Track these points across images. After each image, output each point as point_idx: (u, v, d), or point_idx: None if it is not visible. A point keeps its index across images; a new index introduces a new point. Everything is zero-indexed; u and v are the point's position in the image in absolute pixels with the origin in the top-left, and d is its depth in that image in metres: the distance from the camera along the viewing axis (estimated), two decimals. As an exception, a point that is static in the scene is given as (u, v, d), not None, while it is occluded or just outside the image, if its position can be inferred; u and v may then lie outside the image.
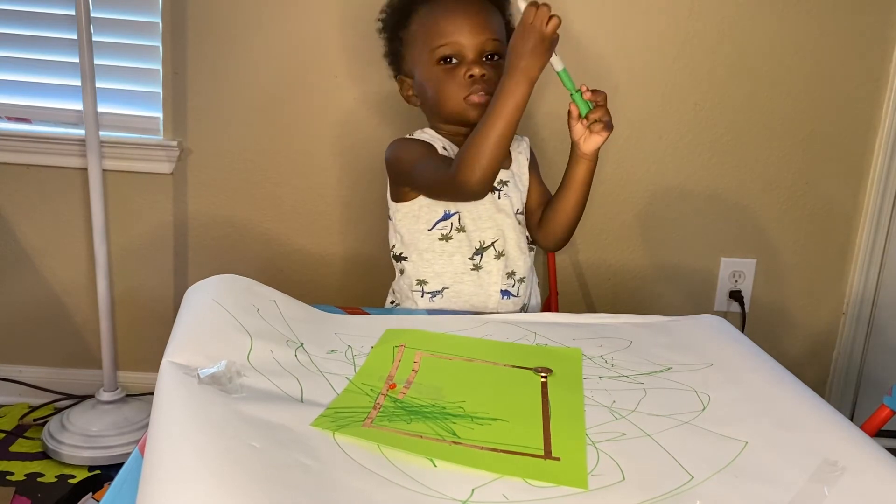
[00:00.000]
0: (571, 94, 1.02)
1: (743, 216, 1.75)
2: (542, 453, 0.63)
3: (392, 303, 1.22)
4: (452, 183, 1.01)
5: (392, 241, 1.18)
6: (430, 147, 1.13)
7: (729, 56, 1.66)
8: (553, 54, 0.98)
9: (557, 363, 0.82)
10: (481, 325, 0.94)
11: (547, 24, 0.95)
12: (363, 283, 1.76)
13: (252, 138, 1.68)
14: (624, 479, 0.60)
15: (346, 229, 1.74)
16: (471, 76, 1.07)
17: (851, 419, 0.99)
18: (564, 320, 0.99)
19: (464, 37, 1.07)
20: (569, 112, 1.04)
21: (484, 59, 1.08)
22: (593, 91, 1.02)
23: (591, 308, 1.79)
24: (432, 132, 1.17)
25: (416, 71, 1.13)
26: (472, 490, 0.56)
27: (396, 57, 1.18)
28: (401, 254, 1.16)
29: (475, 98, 1.07)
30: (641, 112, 1.69)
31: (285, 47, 1.63)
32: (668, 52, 1.66)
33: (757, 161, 1.73)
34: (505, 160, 1.14)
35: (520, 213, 1.16)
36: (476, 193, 1.03)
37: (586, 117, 1.01)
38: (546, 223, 1.15)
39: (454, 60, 1.08)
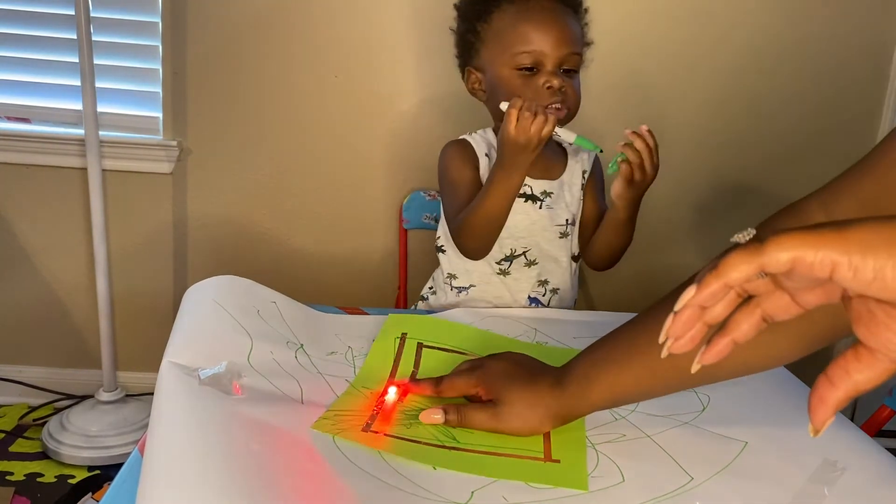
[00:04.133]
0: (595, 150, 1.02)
1: (743, 216, 1.75)
2: (541, 456, 0.63)
3: (430, 288, 1.22)
4: (457, 240, 1.08)
5: (438, 232, 1.19)
6: (464, 174, 1.10)
7: (730, 56, 1.66)
8: (558, 135, 0.98)
9: (558, 363, 0.82)
10: (482, 320, 0.94)
11: (532, 126, 0.94)
12: (363, 284, 1.76)
13: (252, 138, 1.68)
14: (624, 480, 0.60)
15: (346, 229, 1.75)
16: (549, 87, 1.04)
17: (851, 419, 0.99)
18: (565, 317, 0.99)
19: (547, 47, 1.03)
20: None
21: (561, 70, 1.06)
22: (634, 136, 1.00)
23: (591, 308, 1.79)
24: (492, 135, 1.15)
25: (489, 69, 1.09)
26: (472, 492, 0.56)
27: (468, 48, 1.13)
28: (441, 246, 1.17)
29: (551, 111, 1.04)
30: (642, 112, 1.69)
31: (285, 47, 1.63)
32: (669, 52, 1.66)
33: (757, 160, 1.73)
34: (555, 168, 1.13)
35: (566, 225, 1.13)
36: (474, 258, 1.10)
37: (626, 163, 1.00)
38: (590, 250, 1.15)
39: (533, 69, 1.05)
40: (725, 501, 0.58)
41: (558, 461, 0.62)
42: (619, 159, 1.00)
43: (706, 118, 1.70)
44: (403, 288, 1.56)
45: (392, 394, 0.70)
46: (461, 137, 1.15)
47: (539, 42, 1.04)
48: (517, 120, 0.95)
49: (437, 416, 0.66)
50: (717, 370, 0.58)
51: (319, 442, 0.60)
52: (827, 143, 1.72)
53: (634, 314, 1.00)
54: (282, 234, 1.74)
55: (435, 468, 0.59)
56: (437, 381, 0.71)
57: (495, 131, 1.15)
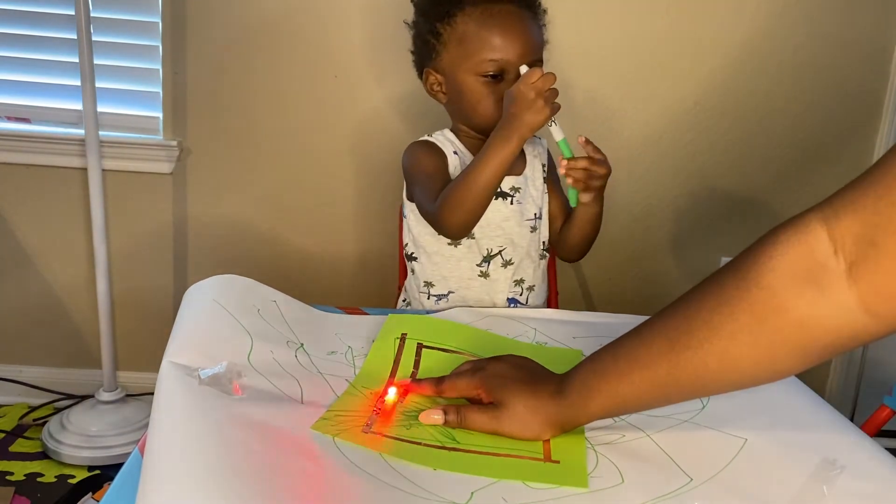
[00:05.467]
0: (565, 156, 1.02)
1: (743, 216, 1.75)
2: (541, 457, 0.63)
3: (404, 300, 1.21)
4: (435, 219, 1.04)
5: (405, 240, 1.17)
6: (437, 164, 1.10)
7: (729, 56, 1.66)
8: (554, 124, 0.99)
9: (558, 364, 0.82)
10: (482, 319, 0.94)
11: (544, 83, 0.95)
12: (363, 284, 1.76)
13: (252, 138, 1.68)
14: (623, 481, 0.60)
15: (346, 229, 1.75)
16: None
17: (851, 419, 0.99)
18: (565, 317, 0.99)
19: (513, 56, 1.03)
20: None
21: None
22: (587, 148, 1.02)
23: (590, 308, 1.79)
24: (451, 135, 1.14)
25: (451, 73, 1.08)
26: (472, 493, 0.56)
27: (428, 49, 1.10)
28: (412, 253, 1.15)
29: None
30: (642, 112, 1.69)
31: (285, 47, 1.63)
32: (669, 53, 1.66)
33: (757, 160, 1.73)
34: (517, 164, 1.13)
35: (535, 219, 1.13)
36: (455, 235, 1.06)
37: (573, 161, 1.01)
38: (562, 243, 1.16)
39: (497, 76, 1.04)
40: (725, 501, 0.58)
41: (558, 462, 0.62)
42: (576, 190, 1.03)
43: (704, 121, 1.70)
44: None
45: (392, 394, 0.70)
46: (424, 139, 1.14)
47: (504, 51, 1.03)
48: (529, 79, 0.95)
49: (436, 416, 0.66)
50: (717, 383, 0.58)
51: (319, 443, 0.61)
52: (826, 144, 1.72)
53: (634, 316, 1.00)
54: (282, 234, 1.74)
55: (435, 469, 0.59)
56: (439, 381, 0.72)
57: (455, 132, 1.15)
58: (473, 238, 1.10)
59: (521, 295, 1.14)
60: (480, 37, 1.04)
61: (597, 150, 1.03)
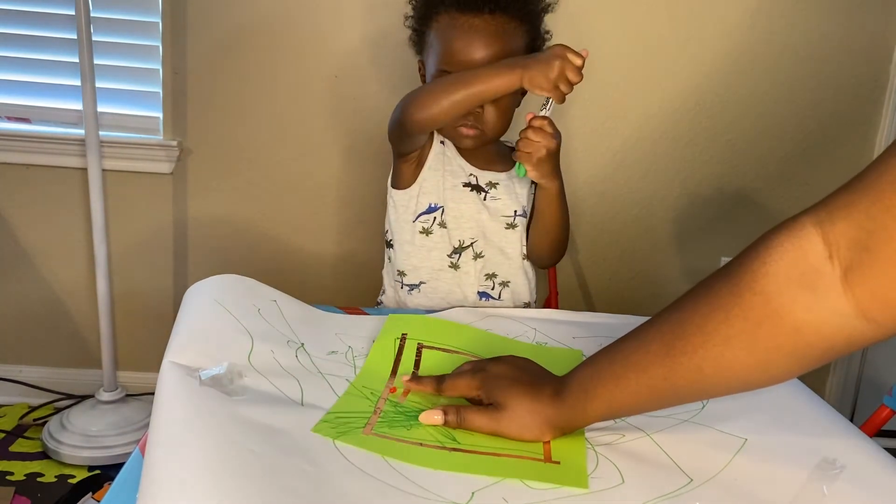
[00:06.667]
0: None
1: (743, 216, 1.75)
2: (541, 457, 0.63)
3: (383, 291, 1.22)
4: (401, 106, 1.05)
5: (385, 226, 1.18)
6: None
7: (729, 56, 1.66)
8: (549, 104, 0.99)
9: (558, 365, 0.82)
10: (482, 319, 0.94)
11: (573, 75, 0.95)
12: (363, 284, 1.76)
13: (252, 138, 1.68)
14: (623, 481, 0.60)
15: (346, 229, 1.75)
16: None
17: (851, 419, 0.99)
18: (565, 318, 0.99)
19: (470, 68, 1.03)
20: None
21: None
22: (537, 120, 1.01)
23: (591, 308, 1.79)
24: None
25: (427, 71, 1.12)
26: (473, 493, 0.56)
27: (419, 41, 1.15)
28: (390, 240, 1.17)
29: (464, 130, 1.06)
30: (641, 112, 1.69)
31: (285, 47, 1.63)
32: (668, 52, 1.66)
33: (757, 160, 1.73)
34: (500, 162, 1.13)
35: (514, 216, 1.13)
36: (410, 129, 1.05)
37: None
38: (530, 245, 1.15)
39: None
40: (724, 501, 0.58)
41: (558, 462, 0.62)
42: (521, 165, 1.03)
43: (704, 121, 1.70)
44: (403, 288, 1.56)
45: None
46: None
47: (459, 66, 1.03)
48: (571, 60, 0.94)
49: (436, 417, 0.66)
50: (714, 388, 0.58)
51: (320, 444, 0.61)
52: (827, 144, 1.72)
53: (634, 316, 1.00)
54: (282, 234, 1.74)
55: (435, 469, 0.59)
56: (439, 379, 0.72)
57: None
58: (445, 227, 1.10)
59: (492, 289, 1.13)
60: (441, 46, 1.06)
61: (552, 126, 1.02)
